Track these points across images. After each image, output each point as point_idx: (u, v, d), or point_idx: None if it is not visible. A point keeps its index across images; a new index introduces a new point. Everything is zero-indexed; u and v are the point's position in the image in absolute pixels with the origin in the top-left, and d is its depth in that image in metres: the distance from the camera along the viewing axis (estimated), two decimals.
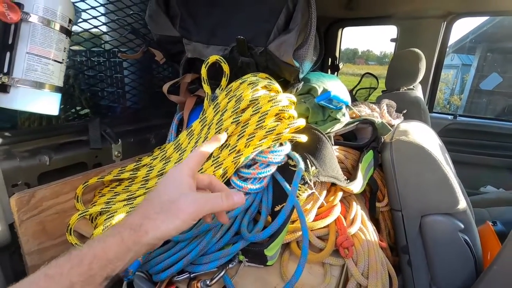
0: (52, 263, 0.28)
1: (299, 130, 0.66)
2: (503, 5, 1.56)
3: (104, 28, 0.90)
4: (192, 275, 0.53)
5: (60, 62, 0.56)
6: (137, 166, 0.73)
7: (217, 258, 0.52)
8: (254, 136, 0.59)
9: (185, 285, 0.53)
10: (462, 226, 0.79)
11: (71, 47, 0.84)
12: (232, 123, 0.60)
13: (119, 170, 0.73)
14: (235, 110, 0.59)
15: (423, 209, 0.81)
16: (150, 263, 0.54)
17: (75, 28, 0.85)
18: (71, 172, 0.72)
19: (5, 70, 0.50)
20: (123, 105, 1.02)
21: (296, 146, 0.67)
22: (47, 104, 0.55)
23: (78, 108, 0.92)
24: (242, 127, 0.60)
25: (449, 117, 1.91)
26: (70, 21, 0.56)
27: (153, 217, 0.32)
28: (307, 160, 0.63)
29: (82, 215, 0.57)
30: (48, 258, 0.68)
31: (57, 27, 0.53)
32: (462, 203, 0.78)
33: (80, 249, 0.29)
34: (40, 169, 0.68)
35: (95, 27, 0.87)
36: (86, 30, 0.85)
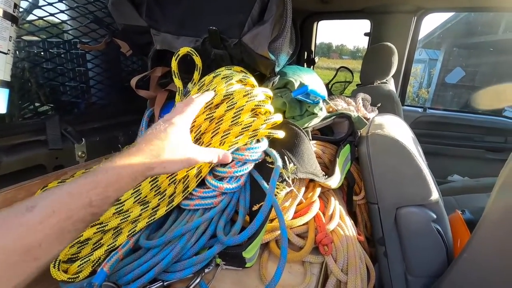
0: (72, 184, 0.32)
1: (276, 125, 0.63)
2: (470, 1, 1.62)
3: (63, 17, 0.82)
4: (165, 283, 0.50)
5: (5, 53, 0.49)
6: None
7: (192, 264, 0.49)
8: (229, 133, 0.56)
9: None
10: (435, 216, 0.81)
11: (24, 37, 0.76)
12: (205, 119, 0.56)
13: (83, 172, 0.67)
14: (208, 105, 0.56)
15: (398, 201, 0.83)
16: (119, 273, 0.49)
17: (30, 16, 0.77)
18: (28, 176, 0.65)
19: None
20: (88, 100, 0.94)
21: (273, 142, 0.65)
22: None
23: (37, 104, 0.84)
24: (216, 123, 0.57)
25: (419, 109, 1.99)
26: (15, 5, 0.49)
27: (162, 159, 0.39)
28: (285, 157, 0.62)
29: None
30: None
31: None
32: (435, 194, 0.80)
33: (96, 175, 0.33)
34: None
35: (52, 14, 0.79)
36: (41, 18, 0.76)
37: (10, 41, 0.49)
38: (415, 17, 1.72)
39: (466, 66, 7.78)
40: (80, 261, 0.49)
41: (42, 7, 0.76)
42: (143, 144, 0.38)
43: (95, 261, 0.50)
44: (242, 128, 0.56)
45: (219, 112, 0.56)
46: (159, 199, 0.54)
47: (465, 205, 1.25)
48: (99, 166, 0.35)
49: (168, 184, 0.56)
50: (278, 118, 0.61)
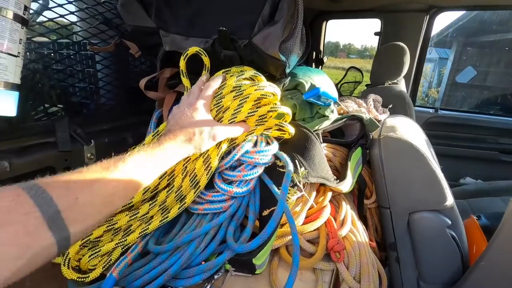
0: (136, 157, 0.40)
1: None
2: None
3: (72, 18, 0.82)
4: None
5: (16, 56, 0.49)
6: None
7: (202, 272, 0.48)
8: (236, 118, 0.55)
9: None
10: (450, 222, 0.79)
11: (35, 39, 0.76)
12: (214, 106, 0.55)
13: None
14: (218, 94, 0.55)
15: (411, 206, 0.81)
16: (127, 278, 0.49)
17: (40, 18, 0.77)
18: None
19: None
20: (97, 102, 0.94)
21: (283, 145, 0.63)
22: (1, 104, 0.48)
23: (46, 105, 0.84)
24: (223, 112, 0.55)
25: (431, 110, 1.94)
26: (26, 8, 0.49)
27: (195, 140, 0.48)
28: (296, 161, 0.60)
29: None
30: None
31: (10, 14, 0.46)
32: (450, 199, 0.78)
33: (139, 156, 0.41)
34: None
35: (61, 16, 0.79)
36: (51, 20, 0.76)
37: (20, 43, 0.49)
38: (427, 16, 1.68)
39: (478, 65, 7.61)
40: (90, 253, 0.48)
41: (51, 9, 0.76)
42: (178, 131, 0.47)
43: (106, 255, 0.50)
44: (247, 114, 0.55)
45: (226, 100, 0.55)
46: (167, 191, 0.53)
47: (478, 209, 1.22)
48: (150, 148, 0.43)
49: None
50: (287, 110, 0.59)
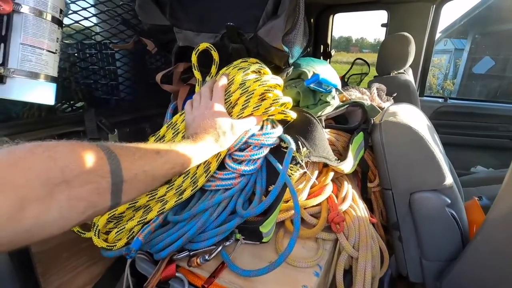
0: (180, 152, 0.45)
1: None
2: None
3: (94, 20, 0.90)
4: (191, 253, 0.56)
5: (54, 52, 0.57)
6: None
7: (215, 235, 0.55)
8: (243, 114, 0.61)
9: (185, 262, 0.56)
10: (449, 201, 0.82)
11: (63, 40, 0.85)
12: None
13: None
14: (227, 92, 0.62)
15: (412, 187, 0.85)
16: (151, 242, 0.56)
17: (65, 21, 0.86)
18: None
19: (0, 61, 0.51)
20: (118, 96, 1.03)
21: (287, 129, 0.69)
22: (43, 93, 0.57)
23: (72, 102, 0.93)
24: (231, 107, 0.62)
25: (440, 100, 1.94)
26: (61, 11, 0.57)
27: (220, 140, 0.53)
28: (298, 142, 0.66)
29: None
30: (52, 245, 0.70)
31: (49, 17, 0.54)
32: (449, 179, 0.81)
33: (182, 149, 0.45)
34: None
35: (85, 18, 0.87)
36: (76, 22, 0.85)
37: (57, 42, 0.57)
38: (434, 6, 1.68)
39: (495, 55, 7.35)
40: (117, 229, 0.56)
41: (77, 12, 0.85)
42: (205, 134, 0.51)
43: (129, 231, 0.57)
44: (252, 109, 0.61)
45: (234, 97, 0.61)
46: (183, 177, 0.60)
47: (487, 195, 1.23)
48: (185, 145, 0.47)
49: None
50: (288, 100, 0.65)
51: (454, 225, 0.83)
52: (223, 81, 0.62)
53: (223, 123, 0.54)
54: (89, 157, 0.31)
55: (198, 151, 0.48)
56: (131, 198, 0.37)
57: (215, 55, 0.72)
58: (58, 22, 0.57)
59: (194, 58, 0.72)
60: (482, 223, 0.73)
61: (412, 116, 0.92)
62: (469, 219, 0.88)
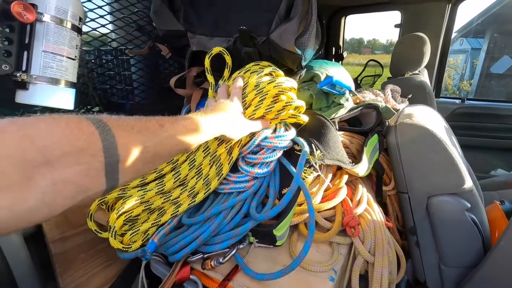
0: (187, 125, 0.42)
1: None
2: None
3: (110, 27, 0.93)
4: (205, 256, 0.56)
5: (73, 59, 0.59)
6: None
7: (229, 238, 0.55)
8: (254, 115, 0.61)
9: (199, 265, 0.57)
10: (469, 205, 0.80)
11: (82, 47, 0.88)
12: None
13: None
14: (243, 93, 0.62)
15: (429, 190, 0.82)
16: (166, 245, 0.57)
17: (84, 28, 0.88)
18: None
19: (24, 68, 0.53)
20: (133, 101, 1.06)
21: (301, 132, 0.69)
22: (63, 99, 0.59)
23: (89, 106, 0.96)
24: (245, 108, 0.62)
25: (457, 101, 1.89)
26: (80, 19, 0.59)
27: (230, 127, 0.53)
28: (312, 144, 0.65)
29: (101, 201, 0.61)
30: (71, 246, 0.72)
31: (69, 25, 0.56)
32: (468, 183, 0.79)
33: (175, 124, 0.40)
34: None
35: (102, 25, 0.90)
36: (93, 29, 0.88)
37: (77, 49, 0.59)
38: (449, 5, 1.65)
39: None
40: (132, 231, 0.57)
41: (94, 19, 0.87)
42: (215, 109, 0.51)
43: (144, 233, 0.58)
44: (265, 110, 0.60)
45: (249, 98, 0.61)
46: (196, 179, 0.61)
47: (509, 199, 1.19)
48: (197, 118, 0.45)
49: (205, 166, 0.63)
50: (301, 103, 0.65)
51: (475, 230, 0.80)
52: (239, 82, 0.63)
53: (236, 110, 0.56)
54: (76, 132, 0.27)
55: (208, 124, 0.45)
56: (129, 179, 0.33)
57: (228, 58, 0.73)
58: (77, 29, 0.59)
59: (207, 62, 0.73)
60: (505, 228, 0.70)
61: (428, 118, 0.89)
62: (490, 224, 0.85)
